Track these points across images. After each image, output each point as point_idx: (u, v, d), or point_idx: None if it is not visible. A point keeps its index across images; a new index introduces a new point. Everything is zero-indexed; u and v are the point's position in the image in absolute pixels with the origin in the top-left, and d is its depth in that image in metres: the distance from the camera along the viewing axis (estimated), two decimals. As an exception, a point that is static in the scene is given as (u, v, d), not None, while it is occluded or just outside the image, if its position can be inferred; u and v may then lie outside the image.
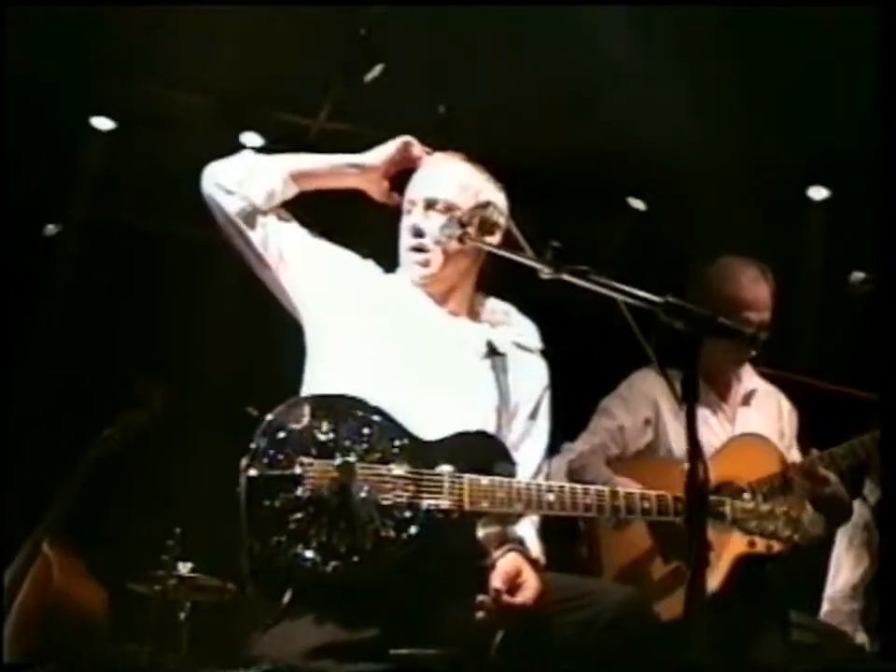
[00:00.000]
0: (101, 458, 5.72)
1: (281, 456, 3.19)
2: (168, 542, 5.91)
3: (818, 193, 7.14)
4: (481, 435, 3.39)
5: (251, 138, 6.59)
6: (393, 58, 5.96)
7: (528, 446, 3.56)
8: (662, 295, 2.65)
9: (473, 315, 3.70)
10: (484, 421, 3.47)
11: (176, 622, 6.08)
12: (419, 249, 3.60)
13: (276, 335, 3.84)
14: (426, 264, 3.59)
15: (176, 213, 6.87)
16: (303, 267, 3.58)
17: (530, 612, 3.22)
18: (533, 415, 3.63)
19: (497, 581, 3.22)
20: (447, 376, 3.50)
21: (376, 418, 3.28)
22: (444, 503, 3.23)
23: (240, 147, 6.41)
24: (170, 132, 6.51)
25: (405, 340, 3.51)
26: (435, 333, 3.57)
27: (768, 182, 6.92)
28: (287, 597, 3.13)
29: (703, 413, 4.63)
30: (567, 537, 4.47)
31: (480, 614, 3.20)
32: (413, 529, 3.21)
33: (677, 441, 4.57)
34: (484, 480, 3.26)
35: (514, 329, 3.71)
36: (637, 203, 7.26)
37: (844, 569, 5.97)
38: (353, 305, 3.55)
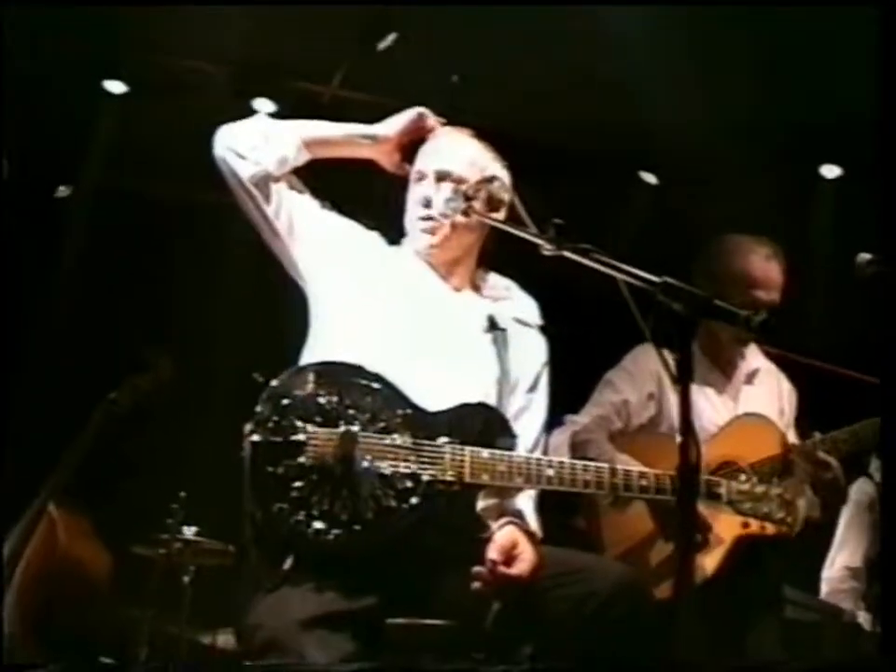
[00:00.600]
0: (107, 421, 5.74)
1: (285, 423, 3.21)
2: (173, 506, 5.94)
3: (830, 171, 7.12)
4: (482, 407, 3.41)
5: (264, 105, 6.56)
6: (407, 26, 5.94)
7: (527, 420, 3.60)
8: (669, 271, 2.67)
9: (475, 289, 3.73)
10: (485, 394, 3.49)
11: (180, 585, 6.12)
12: (428, 219, 3.62)
13: (286, 303, 3.83)
14: (433, 233, 3.61)
15: (187, 179, 6.89)
16: (312, 238, 3.59)
17: (525, 584, 3.25)
18: (532, 389, 3.66)
19: (493, 552, 3.25)
20: (449, 349, 3.53)
21: (379, 387, 3.31)
22: (446, 475, 3.26)
23: (252, 113, 6.52)
24: (182, 98, 6.50)
25: (408, 313, 3.54)
26: (438, 307, 3.60)
27: (780, 159, 6.90)
28: (287, 564, 3.16)
29: (706, 391, 4.67)
30: (569, 511, 4.50)
31: (476, 584, 3.23)
32: (413, 500, 3.23)
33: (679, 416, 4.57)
34: (485, 453, 3.29)
35: (515, 304, 3.74)
36: (649, 178, 7.25)
37: (845, 550, 5.98)
38: (358, 278, 3.57)
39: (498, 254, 3.71)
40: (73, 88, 6.39)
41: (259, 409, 3.22)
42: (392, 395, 3.32)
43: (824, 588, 6.01)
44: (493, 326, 3.62)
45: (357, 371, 3.32)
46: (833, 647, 5.52)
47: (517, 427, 3.47)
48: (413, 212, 3.67)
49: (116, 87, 6.62)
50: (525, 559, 3.28)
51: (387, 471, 3.22)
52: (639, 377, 4.61)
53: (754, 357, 4.79)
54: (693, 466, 2.34)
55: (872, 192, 6.71)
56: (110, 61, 6.55)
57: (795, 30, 5.80)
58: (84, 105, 6.57)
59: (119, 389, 5.82)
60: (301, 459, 3.18)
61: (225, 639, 6.03)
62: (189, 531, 6.00)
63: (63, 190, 7.01)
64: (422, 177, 3.67)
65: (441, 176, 3.63)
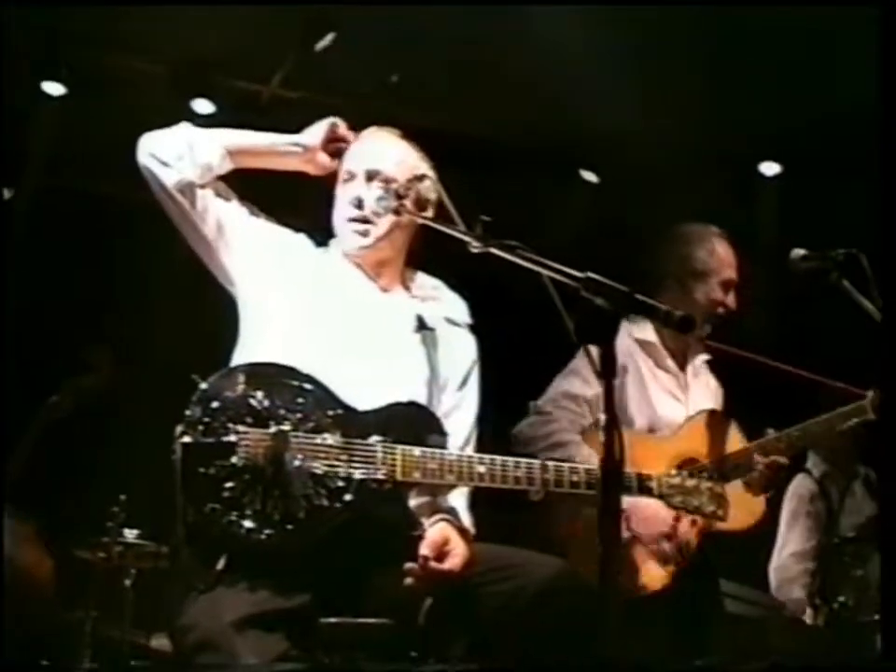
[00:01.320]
0: (48, 424, 5.71)
1: (216, 424, 3.21)
2: (113, 509, 5.91)
3: (769, 169, 7.17)
4: (413, 406, 3.43)
5: (203, 104, 6.56)
6: (345, 26, 5.93)
7: (458, 417, 3.62)
8: (609, 269, 2.68)
9: (404, 289, 3.74)
10: (415, 393, 3.50)
11: (122, 588, 6.09)
12: (360, 220, 3.61)
13: (226, 304, 3.82)
14: (365, 234, 3.60)
15: (129, 179, 6.84)
16: (240, 243, 3.58)
17: (457, 580, 3.27)
18: (462, 387, 3.69)
19: (424, 548, 3.27)
20: (379, 349, 3.54)
21: (310, 388, 3.31)
22: (377, 473, 3.27)
23: (191, 113, 6.52)
24: (121, 97, 6.46)
25: (338, 314, 3.54)
26: (367, 307, 3.61)
27: (721, 158, 6.94)
28: (220, 564, 3.15)
29: (662, 381, 4.76)
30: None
31: (408, 580, 3.25)
32: (346, 498, 3.24)
33: (637, 410, 4.64)
34: (417, 451, 3.31)
35: (444, 303, 3.76)
36: (590, 176, 7.27)
37: (791, 541, 6.04)
38: (287, 280, 3.56)
39: (426, 254, 3.71)
40: (11, 89, 6.33)
41: (189, 411, 3.22)
42: (323, 395, 3.32)
43: (773, 579, 6.07)
44: (422, 325, 3.64)
45: (288, 371, 3.32)
46: (778, 641, 5.57)
47: (448, 424, 3.47)
48: (343, 212, 3.65)
49: (54, 88, 6.56)
50: (457, 555, 3.30)
51: (319, 471, 3.22)
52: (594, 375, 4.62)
53: (699, 351, 4.85)
54: (618, 461, 2.35)
55: (812, 189, 6.83)
56: (48, 62, 6.49)
57: (737, 27, 5.83)
58: (23, 106, 6.52)
59: (61, 391, 5.80)
60: (233, 460, 3.17)
61: (161, 643, 6.00)
62: (130, 534, 5.97)
63: (5, 193, 6.95)
64: (351, 177, 3.66)
65: (371, 176, 3.62)
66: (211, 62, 6.42)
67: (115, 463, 6.47)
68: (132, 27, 6.04)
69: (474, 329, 3.76)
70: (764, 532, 5.28)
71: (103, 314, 6.77)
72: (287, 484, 3.19)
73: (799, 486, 6.11)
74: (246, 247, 3.58)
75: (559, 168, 7.17)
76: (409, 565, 3.25)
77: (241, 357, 3.49)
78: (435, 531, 3.34)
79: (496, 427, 3.80)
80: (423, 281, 3.78)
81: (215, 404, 3.23)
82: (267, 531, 3.16)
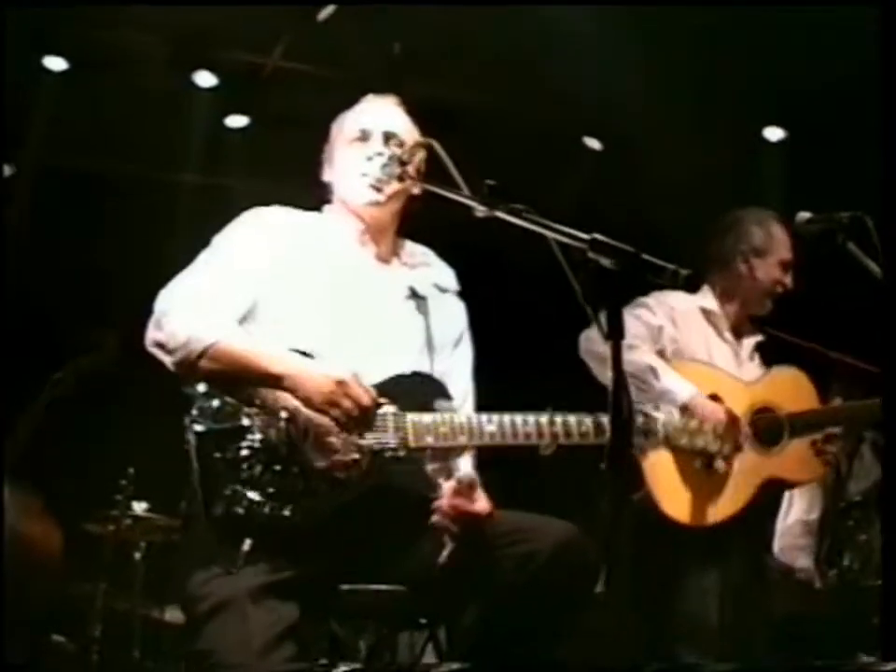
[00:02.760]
0: (53, 401, 5.72)
1: (228, 409, 3.22)
2: (121, 482, 5.93)
3: (773, 134, 7.16)
4: (416, 376, 3.45)
5: (205, 77, 6.55)
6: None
7: (453, 381, 3.61)
8: (613, 236, 2.68)
9: (396, 258, 3.73)
10: (415, 362, 3.52)
11: (131, 561, 6.11)
12: (375, 177, 3.58)
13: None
14: (379, 190, 3.58)
15: (132, 155, 6.87)
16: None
17: (479, 529, 3.30)
18: (454, 350, 3.71)
19: (452, 488, 3.33)
20: (376, 322, 3.54)
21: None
22: (390, 441, 3.28)
23: (193, 86, 6.51)
24: (123, 71, 6.45)
25: (335, 289, 3.52)
26: (363, 280, 3.60)
27: (724, 123, 6.93)
28: (246, 546, 3.15)
29: (723, 350, 4.83)
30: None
31: (435, 518, 3.29)
32: (363, 468, 3.25)
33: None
34: (427, 417, 3.32)
35: (433, 270, 3.77)
36: (594, 143, 7.25)
37: (797, 506, 6.04)
38: (290, 266, 3.52)
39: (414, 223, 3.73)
40: (12, 65, 6.32)
41: (199, 401, 3.23)
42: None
43: (778, 544, 6.08)
44: (415, 294, 3.64)
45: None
46: (784, 604, 5.59)
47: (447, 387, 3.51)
48: (357, 168, 3.60)
49: (56, 63, 6.55)
50: (482, 499, 3.34)
51: (335, 444, 3.23)
52: (675, 306, 4.75)
53: (753, 332, 4.95)
54: (627, 416, 2.36)
55: (815, 154, 6.81)
56: (49, 37, 6.48)
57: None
58: (24, 82, 6.51)
59: (64, 369, 5.81)
60: (248, 441, 3.19)
61: (174, 615, 6.03)
62: (139, 507, 6.00)
63: (5, 169, 6.95)
64: (366, 137, 3.64)
65: (388, 137, 3.62)
66: (212, 34, 6.40)
67: (123, 436, 6.50)
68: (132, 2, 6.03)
69: (462, 295, 3.79)
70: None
71: (108, 292, 6.77)
72: (304, 461, 3.21)
73: None
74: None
75: (562, 136, 7.16)
76: (438, 502, 3.30)
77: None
78: (463, 475, 3.37)
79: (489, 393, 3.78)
80: (412, 249, 3.77)
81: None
82: (289, 507, 3.18)
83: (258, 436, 3.20)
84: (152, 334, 3.32)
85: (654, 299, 4.69)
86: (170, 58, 6.45)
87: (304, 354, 3.32)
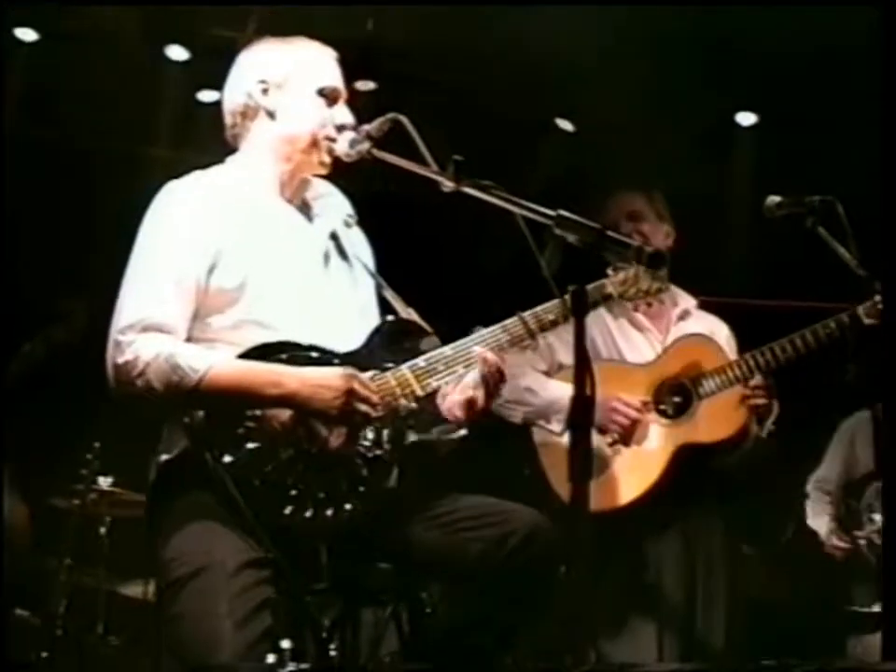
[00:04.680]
0: (21, 372, 5.70)
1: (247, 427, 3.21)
2: (87, 456, 5.91)
3: (746, 119, 7.16)
4: (388, 324, 3.48)
5: (177, 51, 6.51)
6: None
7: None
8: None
9: (307, 194, 3.67)
10: (371, 309, 3.59)
11: (97, 536, 6.09)
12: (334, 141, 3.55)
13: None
14: (336, 159, 3.56)
15: (102, 127, 6.81)
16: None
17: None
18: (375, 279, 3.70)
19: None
20: (326, 284, 3.53)
21: (297, 353, 3.31)
22: (401, 398, 3.31)
23: (166, 60, 6.48)
24: (95, 44, 6.40)
25: (277, 259, 3.45)
26: (299, 241, 3.55)
27: (697, 107, 6.93)
28: (323, 557, 3.22)
29: (627, 331, 4.86)
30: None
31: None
32: (385, 435, 3.30)
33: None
34: (421, 361, 3.36)
35: (337, 199, 3.73)
36: (566, 125, 7.24)
37: (821, 466, 6.10)
38: (226, 243, 3.40)
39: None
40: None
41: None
42: (315, 353, 3.33)
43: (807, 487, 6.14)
44: (336, 239, 3.63)
45: (272, 347, 3.30)
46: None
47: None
48: (319, 130, 3.54)
49: (27, 34, 6.50)
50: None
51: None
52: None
53: (685, 301, 4.93)
54: (588, 398, 2.36)
55: (788, 139, 6.83)
56: (21, 8, 6.42)
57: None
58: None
59: (34, 340, 5.78)
60: (278, 460, 3.19)
61: (134, 591, 6.03)
62: (104, 482, 5.98)
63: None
64: (335, 97, 3.59)
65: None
66: (185, 9, 6.36)
67: (89, 411, 6.46)
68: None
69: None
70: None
71: (76, 264, 6.73)
72: (332, 461, 3.24)
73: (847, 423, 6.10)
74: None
75: (534, 117, 7.15)
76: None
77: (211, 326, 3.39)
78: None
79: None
80: (315, 182, 3.69)
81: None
82: (350, 504, 3.21)
83: (286, 451, 3.19)
84: (127, 375, 3.25)
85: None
86: (142, 32, 6.40)
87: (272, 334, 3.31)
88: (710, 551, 4.67)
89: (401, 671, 3.51)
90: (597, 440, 4.48)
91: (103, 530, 6.12)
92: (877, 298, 4.20)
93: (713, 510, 4.74)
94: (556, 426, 4.53)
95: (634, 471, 4.51)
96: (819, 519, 5.99)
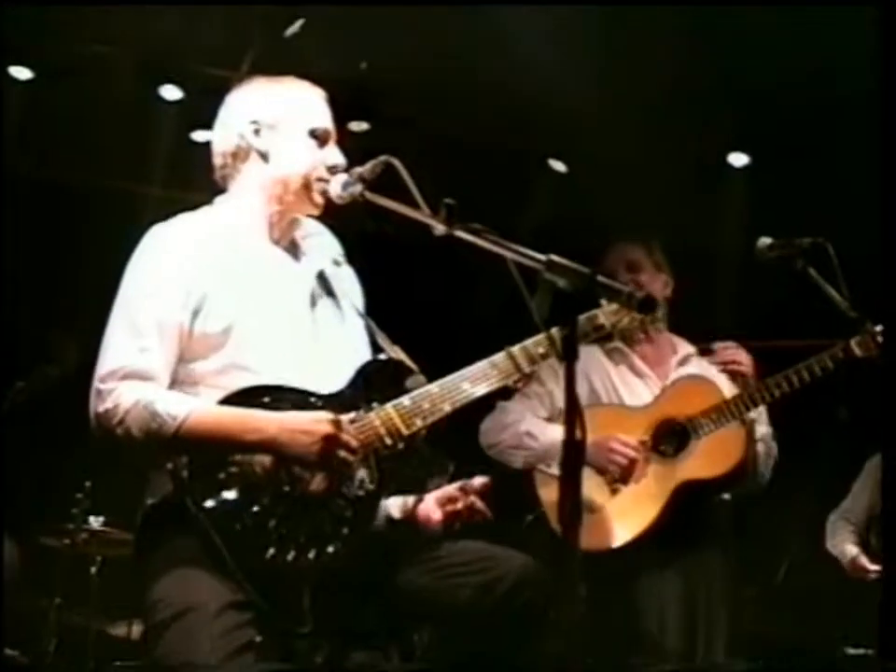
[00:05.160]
0: (13, 410, 5.69)
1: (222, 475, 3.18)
2: (77, 496, 5.89)
3: (738, 160, 7.19)
4: (376, 363, 3.45)
5: (171, 91, 6.53)
6: (314, 13, 5.92)
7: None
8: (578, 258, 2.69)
9: (296, 234, 3.64)
10: (358, 348, 3.54)
11: (87, 575, 6.08)
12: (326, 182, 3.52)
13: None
14: (328, 201, 3.52)
15: (94, 164, 6.84)
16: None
17: None
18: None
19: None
20: (314, 327, 3.49)
21: (281, 396, 3.28)
22: (385, 438, 3.29)
23: (160, 99, 6.50)
24: (89, 83, 6.42)
25: (263, 304, 3.41)
26: (286, 283, 3.50)
27: (689, 149, 6.96)
28: (306, 600, 3.18)
29: (626, 377, 4.88)
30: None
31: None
32: (370, 487, 3.29)
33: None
34: (405, 400, 3.33)
35: (326, 239, 3.70)
36: (558, 165, 7.27)
37: (849, 497, 6.12)
38: (213, 287, 3.36)
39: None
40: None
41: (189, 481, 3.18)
42: (296, 396, 3.30)
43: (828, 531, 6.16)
44: (328, 287, 3.60)
45: (254, 392, 3.28)
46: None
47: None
48: (318, 172, 3.51)
49: (21, 73, 6.52)
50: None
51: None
52: (561, 370, 4.68)
53: (684, 348, 4.96)
54: (579, 442, 2.37)
55: (779, 180, 6.85)
56: (15, 46, 6.44)
57: (708, 18, 5.83)
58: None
59: (26, 378, 5.78)
60: (261, 500, 3.16)
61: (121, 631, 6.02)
62: (95, 521, 5.97)
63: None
64: (326, 138, 3.57)
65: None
66: (179, 48, 6.39)
67: (80, 449, 6.45)
68: (100, 12, 5.99)
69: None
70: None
71: (69, 302, 6.73)
72: (315, 503, 3.21)
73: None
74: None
75: (527, 158, 7.18)
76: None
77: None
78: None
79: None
80: (304, 221, 3.66)
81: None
82: (333, 545, 3.19)
83: (267, 494, 3.16)
84: (108, 423, 3.23)
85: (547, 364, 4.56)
86: (136, 71, 6.43)
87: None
88: (711, 589, 4.66)
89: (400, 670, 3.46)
90: (597, 480, 4.50)
91: (93, 570, 6.10)
92: (869, 329, 4.21)
93: (713, 548, 4.73)
94: (556, 468, 4.53)
95: (633, 510, 4.52)
96: (843, 546, 6.03)
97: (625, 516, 4.51)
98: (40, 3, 5.86)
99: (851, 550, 5.97)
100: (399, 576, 3.35)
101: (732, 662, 4.66)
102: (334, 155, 3.55)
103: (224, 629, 3.07)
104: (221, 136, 3.61)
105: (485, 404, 4.66)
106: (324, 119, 3.59)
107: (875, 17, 4.32)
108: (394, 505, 3.49)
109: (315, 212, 3.57)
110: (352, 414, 3.29)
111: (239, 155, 3.56)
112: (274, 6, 5.93)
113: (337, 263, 3.67)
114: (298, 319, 3.45)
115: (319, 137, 3.55)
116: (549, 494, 4.59)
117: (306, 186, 3.51)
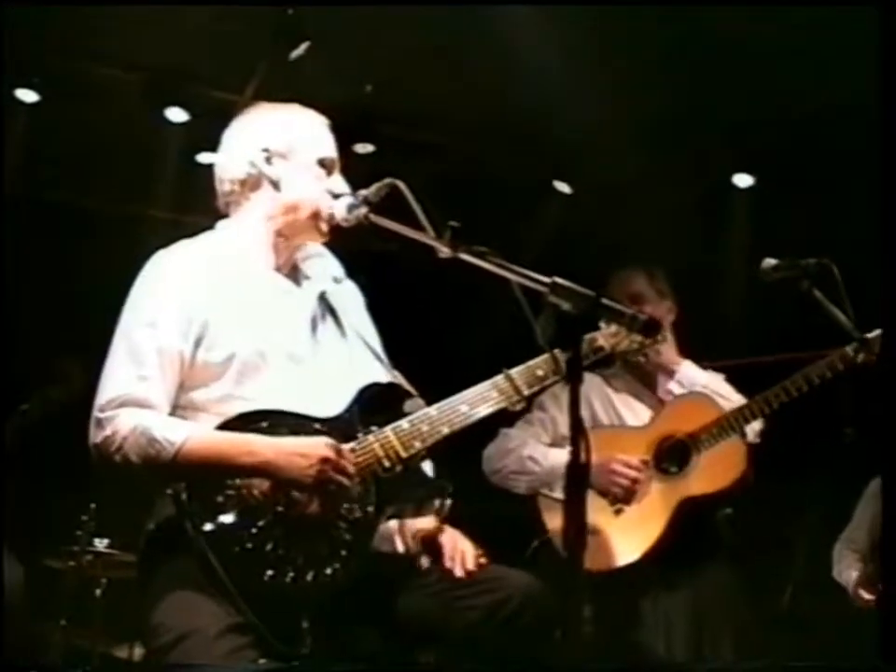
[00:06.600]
0: (18, 433, 5.69)
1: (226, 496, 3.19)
2: (83, 518, 5.89)
3: (743, 181, 7.19)
4: (374, 387, 3.44)
5: (176, 113, 6.55)
6: (320, 36, 5.93)
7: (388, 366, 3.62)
8: (583, 279, 2.69)
9: (297, 258, 3.65)
10: (364, 369, 3.52)
11: (92, 598, 6.07)
12: (331, 218, 3.53)
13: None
14: (335, 226, 3.54)
15: (101, 187, 6.85)
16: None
17: None
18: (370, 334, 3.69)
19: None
20: (318, 349, 3.50)
21: (280, 420, 3.28)
22: (384, 461, 3.29)
23: (165, 121, 6.51)
24: (95, 107, 6.44)
25: (264, 335, 3.41)
26: (285, 309, 3.51)
27: (694, 170, 6.97)
28: (304, 623, 3.15)
29: (628, 401, 4.94)
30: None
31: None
32: (369, 509, 3.28)
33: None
34: (404, 423, 3.34)
35: (327, 260, 3.71)
36: (563, 187, 7.28)
37: (851, 524, 6.11)
38: (214, 314, 3.37)
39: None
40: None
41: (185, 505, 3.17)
42: (295, 421, 3.30)
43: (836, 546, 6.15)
44: (329, 308, 3.61)
45: (252, 416, 3.28)
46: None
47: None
48: (325, 201, 3.52)
49: (27, 95, 6.53)
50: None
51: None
52: (563, 395, 4.69)
53: (685, 369, 4.94)
54: (584, 464, 2.36)
55: (784, 201, 6.86)
56: (21, 69, 6.46)
57: (710, 37, 5.84)
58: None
59: (31, 400, 5.78)
60: (259, 523, 3.16)
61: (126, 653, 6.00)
62: (100, 543, 5.96)
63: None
64: (332, 167, 3.59)
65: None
66: (185, 71, 6.40)
67: (85, 472, 6.45)
68: (105, 35, 6.01)
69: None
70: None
71: (74, 325, 6.73)
72: (313, 526, 3.21)
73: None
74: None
75: (532, 179, 7.19)
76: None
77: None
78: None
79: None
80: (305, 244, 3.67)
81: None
82: (331, 567, 3.19)
83: (265, 517, 3.16)
84: (107, 450, 3.22)
85: (549, 392, 4.64)
86: (142, 93, 6.44)
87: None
88: (717, 606, 4.66)
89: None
90: (600, 501, 4.51)
91: (98, 592, 6.09)
92: (865, 335, 4.20)
93: (719, 564, 4.74)
94: (559, 492, 4.54)
95: (638, 529, 4.53)
96: (847, 574, 6.00)
97: (630, 535, 4.51)
98: (46, 26, 5.88)
99: (855, 577, 5.95)
100: (403, 597, 3.35)
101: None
102: (339, 184, 3.57)
103: (225, 652, 3.07)
104: (229, 163, 3.60)
105: (490, 430, 4.70)
106: (331, 149, 3.61)
107: (880, 41, 4.31)
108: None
109: (321, 241, 3.58)
110: (352, 444, 3.29)
111: (249, 182, 3.56)
112: (279, 28, 5.92)
113: (337, 280, 3.67)
114: (299, 345, 3.45)
115: (327, 167, 3.57)
116: (553, 519, 4.61)
117: (315, 215, 3.53)
